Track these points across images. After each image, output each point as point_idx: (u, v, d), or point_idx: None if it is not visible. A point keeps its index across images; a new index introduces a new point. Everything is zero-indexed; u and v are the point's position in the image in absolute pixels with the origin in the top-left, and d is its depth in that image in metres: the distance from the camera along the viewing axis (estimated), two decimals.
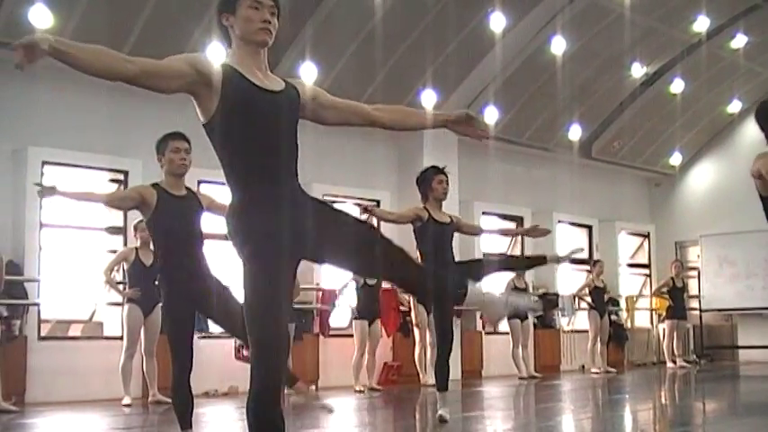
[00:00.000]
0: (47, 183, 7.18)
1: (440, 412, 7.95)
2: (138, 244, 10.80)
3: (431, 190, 8.19)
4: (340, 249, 3.75)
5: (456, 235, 8.42)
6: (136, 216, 11.56)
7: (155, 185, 6.08)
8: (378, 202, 15.20)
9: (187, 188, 6.16)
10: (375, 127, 4.13)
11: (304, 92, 3.88)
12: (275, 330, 3.52)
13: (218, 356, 12.10)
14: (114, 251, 11.72)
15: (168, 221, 6.01)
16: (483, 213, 16.66)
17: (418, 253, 8.42)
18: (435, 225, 8.13)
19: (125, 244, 11.94)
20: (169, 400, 10.01)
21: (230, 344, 11.98)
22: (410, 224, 8.29)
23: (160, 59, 3.53)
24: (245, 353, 11.92)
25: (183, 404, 6.00)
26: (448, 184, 8.27)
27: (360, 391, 12.41)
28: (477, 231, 9.32)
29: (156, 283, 6.46)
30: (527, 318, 15.69)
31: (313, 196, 3.82)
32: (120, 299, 11.01)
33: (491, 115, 15.75)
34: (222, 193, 5.80)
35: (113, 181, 12.53)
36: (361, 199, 15.14)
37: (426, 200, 8.26)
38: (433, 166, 8.35)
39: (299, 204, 3.67)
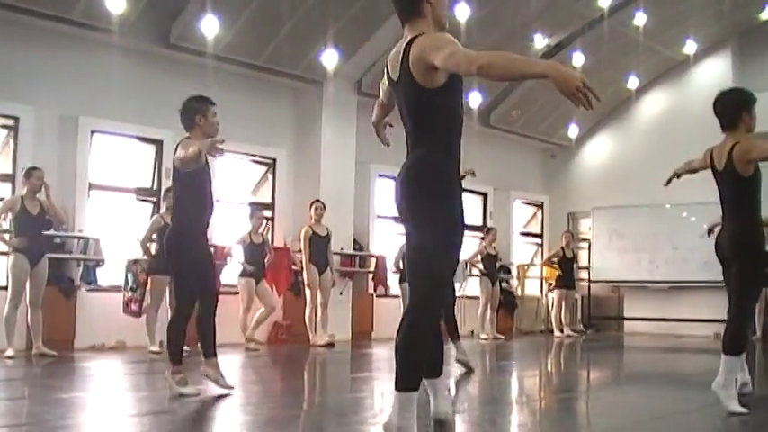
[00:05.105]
0: None
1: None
2: (25, 192, 10.55)
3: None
4: None
5: None
6: (24, 164, 11.36)
7: None
8: (274, 159, 15.08)
9: None
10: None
11: None
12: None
13: (106, 310, 11.91)
14: (1, 199, 11.39)
15: None
16: (379, 176, 16.48)
17: None
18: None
19: (13, 192, 11.62)
20: (53, 353, 9.88)
21: (119, 297, 11.84)
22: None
23: None
24: (133, 307, 11.80)
25: None
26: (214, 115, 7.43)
27: (249, 349, 12.29)
28: None
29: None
30: None
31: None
32: (5, 248, 10.73)
33: None
34: None
35: (4, 127, 12.13)
36: (257, 156, 14.98)
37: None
38: (202, 97, 7.53)
39: None
